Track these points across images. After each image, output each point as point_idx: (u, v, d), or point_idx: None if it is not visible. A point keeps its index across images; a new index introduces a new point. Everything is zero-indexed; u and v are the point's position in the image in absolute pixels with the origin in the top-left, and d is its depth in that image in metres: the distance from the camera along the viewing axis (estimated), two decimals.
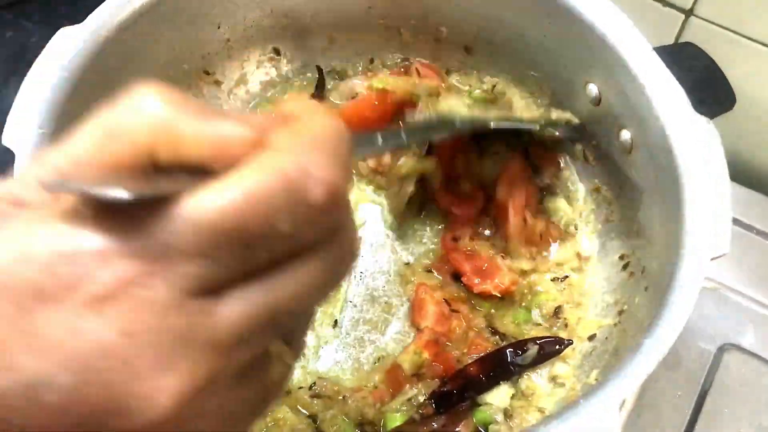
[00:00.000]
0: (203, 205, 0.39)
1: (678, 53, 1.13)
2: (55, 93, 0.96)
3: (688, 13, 1.33)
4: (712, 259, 0.88)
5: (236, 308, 0.41)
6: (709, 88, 1.11)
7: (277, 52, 1.28)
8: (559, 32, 1.13)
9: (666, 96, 1.01)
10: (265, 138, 0.44)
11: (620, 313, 1.06)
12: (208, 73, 1.23)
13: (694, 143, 0.97)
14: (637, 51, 1.04)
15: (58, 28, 1.00)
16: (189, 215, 0.39)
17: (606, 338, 1.06)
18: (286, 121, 0.46)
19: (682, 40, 1.37)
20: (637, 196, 1.09)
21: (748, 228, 1.35)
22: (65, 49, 0.98)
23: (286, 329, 0.48)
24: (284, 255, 0.43)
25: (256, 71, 1.28)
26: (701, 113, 1.00)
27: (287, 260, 0.43)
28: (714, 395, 1.20)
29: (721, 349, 1.24)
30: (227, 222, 0.39)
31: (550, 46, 1.16)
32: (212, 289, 0.40)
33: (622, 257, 1.11)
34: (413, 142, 1.07)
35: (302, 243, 0.43)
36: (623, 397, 0.78)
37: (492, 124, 1.08)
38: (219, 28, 1.20)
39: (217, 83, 1.25)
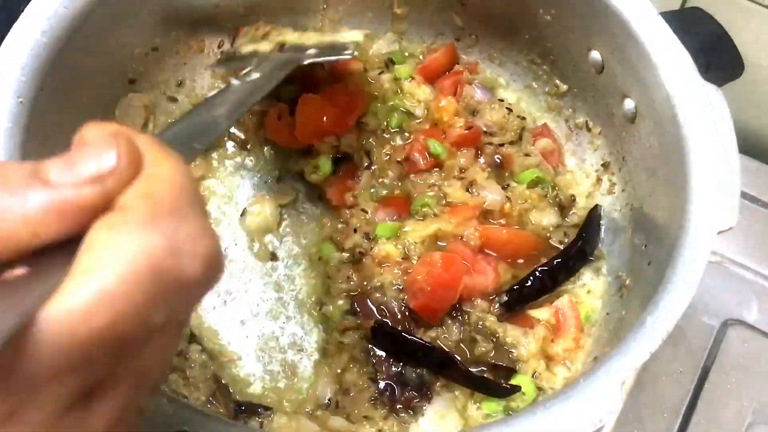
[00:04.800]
0: (57, 318, 0.34)
1: (684, 18, 1.08)
2: (35, 60, 0.91)
3: None
4: (718, 233, 0.85)
5: (109, 406, 0.37)
6: (717, 55, 1.06)
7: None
8: None
9: (672, 62, 0.97)
10: (111, 193, 0.37)
11: (622, 287, 1.03)
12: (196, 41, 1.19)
13: (702, 112, 0.93)
14: (643, 16, 1.00)
15: None
16: (45, 334, 0.33)
17: (608, 314, 1.03)
18: (129, 166, 0.38)
19: (688, 5, 1.32)
20: (641, 167, 1.05)
21: (754, 200, 1.31)
22: (45, 13, 0.94)
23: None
24: (153, 336, 0.38)
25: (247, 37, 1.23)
26: (708, 80, 0.96)
27: (152, 338, 0.38)
28: (717, 371, 1.17)
29: (725, 324, 1.21)
30: (90, 332, 0.34)
31: (551, 10, 1.12)
32: (87, 395, 0.37)
33: (624, 229, 1.08)
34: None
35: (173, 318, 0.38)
36: (625, 376, 0.76)
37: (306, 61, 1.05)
38: None
39: (205, 51, 1.20)
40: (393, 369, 0.99)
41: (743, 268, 1.26)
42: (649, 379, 1.16)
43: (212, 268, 0.38)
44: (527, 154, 1.14)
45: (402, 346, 1.00)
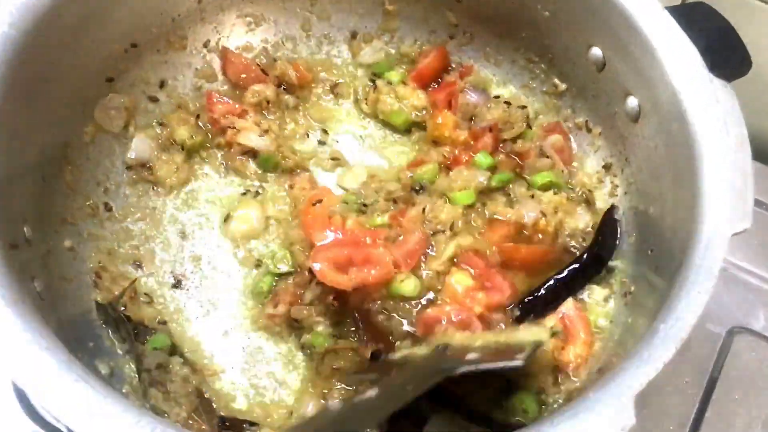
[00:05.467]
0: None
1: (689, 13, 1.04)
2: (3, 53, 0.86)
3: None
4: (733, 235, 0.80)
5: None
6: (723, 51, 1.01)
7: (253, 15, 1.18)
8: None
9: (679, 57, 0.92)
10: None
11: (627, 293, 0.98)
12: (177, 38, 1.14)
13: (711, 109, 0.88)
14: (647, 10, 0.95)
15: None
16: None
17: (611, 321, 0.99)
18: None
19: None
20: (646, 168, 1.01)
21: (759, 204, 1.26)
22: (14, 3, 0.88)
23: None
24: None
25: (231, 35, 1.18)
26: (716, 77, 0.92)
27: None
28: (724, 381, 1.12)
29: (731, 333, 1.16)
30: None
31: (550, 5, 1.07)
32: None
33: (628, 234, 1.03)
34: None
35: None
36: (638, 388, 0.71)
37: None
38: None
39: (188, 49, 1.15)
40: None
41: (749, 274, 1.22)
42: (654, 390, 1.10)
43: None
44: (543, 154, 1.10)
45: None
